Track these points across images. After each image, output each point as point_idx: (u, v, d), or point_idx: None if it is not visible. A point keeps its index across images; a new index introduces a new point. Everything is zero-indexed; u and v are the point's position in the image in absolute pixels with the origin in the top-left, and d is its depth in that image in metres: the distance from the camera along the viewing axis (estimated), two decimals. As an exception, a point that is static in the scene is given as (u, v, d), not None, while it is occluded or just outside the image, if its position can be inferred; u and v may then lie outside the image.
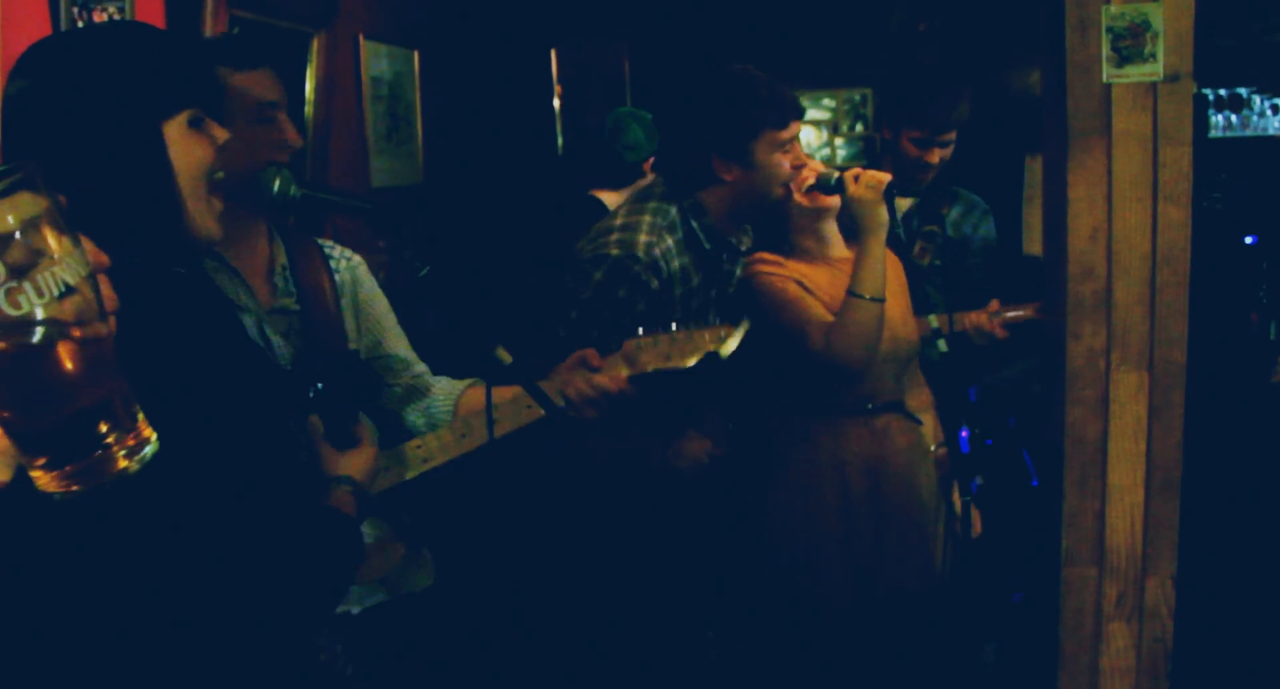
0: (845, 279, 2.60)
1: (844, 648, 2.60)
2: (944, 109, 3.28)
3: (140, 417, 0.93)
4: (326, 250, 2.15)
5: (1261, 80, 4.69)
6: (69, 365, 0.86)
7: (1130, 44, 2.42)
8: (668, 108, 2.79)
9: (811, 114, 5.44)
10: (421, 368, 2.24)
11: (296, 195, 1.89)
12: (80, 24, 2.46)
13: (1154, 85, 2.42)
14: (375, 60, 4.26)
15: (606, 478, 2.63)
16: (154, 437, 0.94)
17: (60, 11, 2.38)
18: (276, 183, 1.87)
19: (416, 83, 4.52)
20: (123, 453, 0.91)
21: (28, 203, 0.85)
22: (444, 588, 2.36)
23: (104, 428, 0.90)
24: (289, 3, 3.64)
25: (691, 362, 2.17)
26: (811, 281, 2.63)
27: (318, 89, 3.79)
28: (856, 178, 2.56)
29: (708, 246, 2.62)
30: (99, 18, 2.53)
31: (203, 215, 1.49)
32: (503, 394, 2.09)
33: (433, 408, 2.19)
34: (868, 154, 3.59)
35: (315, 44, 3.82)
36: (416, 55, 4.52)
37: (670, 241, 2.58)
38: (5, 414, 0.88)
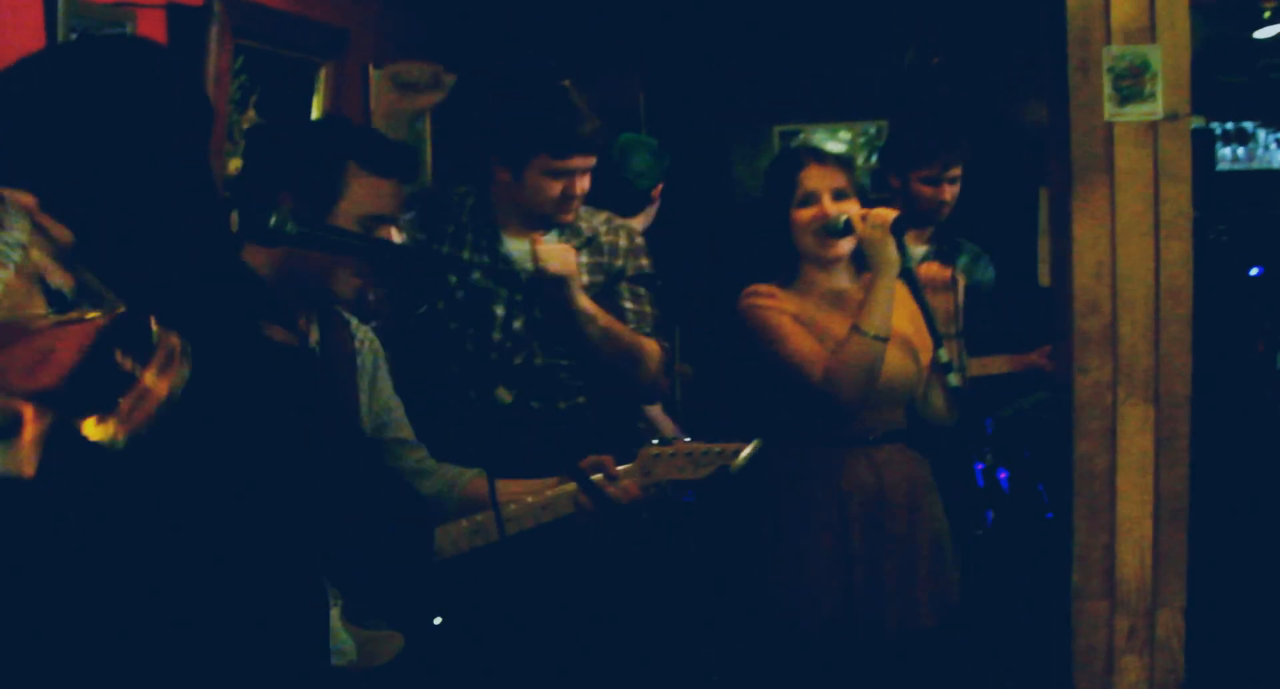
0: (843, 313, 2.61)
1: (839, 685, 2.59)
2: (950, 144, 3.37)
3: (156, 330, 0.87)
4: (352, 329, 2.17)
5: (1267, 115, 4.73)
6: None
7: (1130, 84, 2.46)
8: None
9: (828, 146, 5.49)
10: (423, 452, 2.25)
11: (292, 231, 1.82)
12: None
13: (1154, 124, 2.45)
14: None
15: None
16: (180, 344, 0.88)
17: (58, 38, 2.34)
18: (274, 217, 1.81)
19: (427, 113, 4.54)
20: (157, 376, 0.86)
21: None
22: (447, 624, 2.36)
23: (123, 360, 0.85)
24: (297, 34, 3.60)
25: (703, 474, 2.21)
26: (806, 315, 2.63)
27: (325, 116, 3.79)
28: (864, 218, 2.55)
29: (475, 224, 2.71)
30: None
31: None
32: (522, 489, 2.15)
33: (440, 496, 2.20)
34: (882, 186, 3.65)
35: (322, 74, 3.81)
36: (426, 87, 4.55)
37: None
38: (21, 385, 0.82)
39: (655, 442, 2.26)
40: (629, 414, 2.93)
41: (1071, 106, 2.49)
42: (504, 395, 2.07)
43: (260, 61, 3.34)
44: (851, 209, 2.59)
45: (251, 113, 3.38)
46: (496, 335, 2.65)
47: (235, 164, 3.39)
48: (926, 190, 3.40)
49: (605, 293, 2.75)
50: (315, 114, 3.74)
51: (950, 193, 3.41)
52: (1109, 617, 2.56)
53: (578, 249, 2.72)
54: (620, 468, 2.18)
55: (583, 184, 2.65)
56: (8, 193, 0.84)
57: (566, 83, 2.68)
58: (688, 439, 2.25)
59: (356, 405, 2.12)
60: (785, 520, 2.62)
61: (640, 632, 2.69)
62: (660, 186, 3.57)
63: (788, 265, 2.69)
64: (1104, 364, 2.53)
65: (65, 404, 0.84)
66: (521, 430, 2.51)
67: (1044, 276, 3.86)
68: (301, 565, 1.42)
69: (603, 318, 2.62)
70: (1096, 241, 2.51)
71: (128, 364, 0.85)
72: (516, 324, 2.67)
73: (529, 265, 2.66)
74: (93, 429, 0.85)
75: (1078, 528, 2.57)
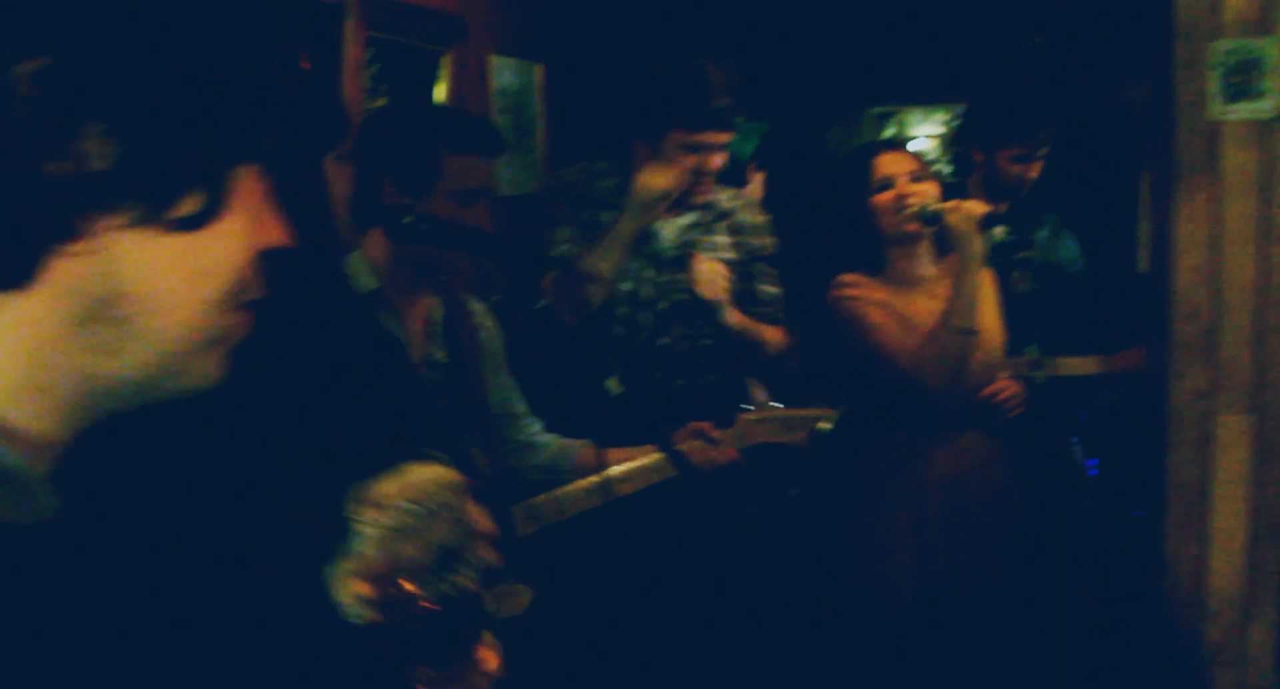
0: (931, 301, 2.65)
1: (914, 671, 2.63)
2: (1041, 123, 3.27)
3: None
4: (470, 308, 2.26)
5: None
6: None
7: (1241, 80, 2.36)
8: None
9: (924, 128, 5.36)
10: (538, 425, 2.36)
11: (425, 229, 1.93)
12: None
13: (1264, 123, 2.36)
14: (501, 73, 4.37)
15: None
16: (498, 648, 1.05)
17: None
18: (408, 217, 1.91)
19: (540, 95, 4.62)
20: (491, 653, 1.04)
21: (448, 481, 0.95)
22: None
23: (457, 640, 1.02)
24: (421, 24, 3.73)
25: (796, 438, 2.30)
26: (896, 305, 2.68)
27: (448, 101, 3.90)
28: (953, 210, 2.58)
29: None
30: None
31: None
32: (628, 455, 2.25)
33: (553, 465, 2.31)
34: (964, 160, 3.56)
35: (445, 61, 3.93)
36: (541, 68, 4.62)
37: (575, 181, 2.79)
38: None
39: (750, 408, 2.36)
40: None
41: (1176, 104, 2.41)
42: (614, 386, 2.14)
43: (389, 51, 3.46)
44: (929, 191, 2.63)
45: (382, 101, 3.52)
46: (641, 317, 2.71)
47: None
48: (1014, 168, 3.27)
49: (745, 272, 2.83)
50: (439, 99, 3.87)
51: (1037, 170, 3.29)
52: (1200, 629, 2.50)
53: (714, 223, 2.81)
54: (719, 433, 2.29)
55: (716, 161, 2.69)
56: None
57: (705, 62, 2.72)
58: (778, 404, 2.35)
59: (483, 383, 2.21)
60: (868, 505, 2.68)
61: (732, 603, 2.75)
62: (753, 165, 3.56)
63: (873, 253, 2.72)
64: (1202, 372, 2.46)
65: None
66: (661, 407, 2.59)
67: (1144, 262, 3.73)
68: None
69: (748, 329, 2.77)
70: (1198, 245, 2.43)
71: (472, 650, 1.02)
72: (661, 305, 2.73)
73: (668, 245, 2.74)
74: None
75: (1169, 536, 2.52)
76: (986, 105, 3.47)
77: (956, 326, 2.54)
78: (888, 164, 2.68)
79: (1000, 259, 3.03)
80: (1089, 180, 3.44)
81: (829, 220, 2.87)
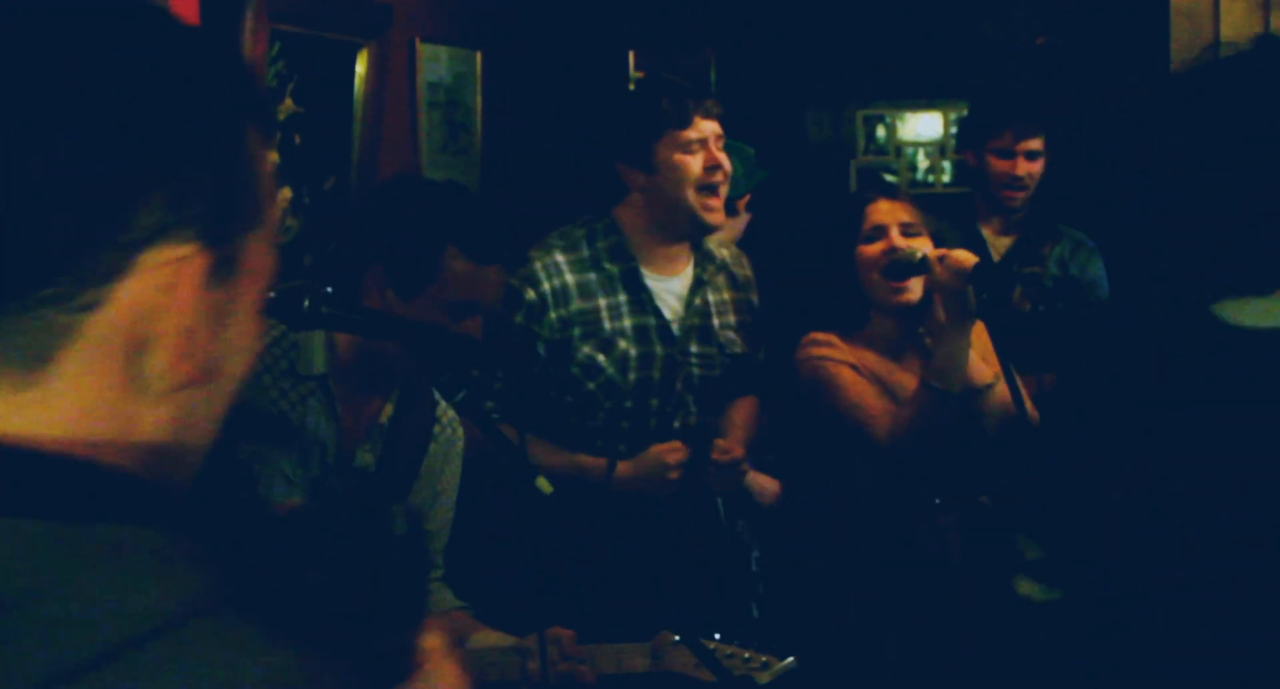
0: (914, 364, 2.43)
1: None
2: (1023, 108, 3.01)
3: None
4: (437, 412, 2.06)
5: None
6: None
7: None
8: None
9: (914, 132, 4.95)
10: (440, 573, 2.12)
11: (327, 314, 1.75)
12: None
13: None
14: (433, 64, 4.00)
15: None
16: None
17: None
18: (306, 300, 1.74)
19: (478, 86, 4.22)
20: None
21: None
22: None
23: None
24: (337, 14, 3.38)
25: (723, 677, 1.84)
26: (873, 369, 2.44)
27: (366, 101, 3.51)
28: (941, 258, 2.30)
29: (609, 267, 2.49)
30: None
31: None
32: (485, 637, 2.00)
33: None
34: (963, 169, 3.26)
35: (363, 55, 3.55)
36: (479, 56, 4.21)
37: (560, 258, 2.47)
38: None
39: (677, 639, 1.94)
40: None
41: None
42: (544, 485, 1.82)
43: (298, 46, 3.19)
44: (924, 246, 2.39)
45: (289, 102, 3.26)
46: (655, 401, 2.51)
47: (272, 157, 3.21)
48: (1000, 164, 2.99)
49: (753, 343, 2.66)
50: (357, 97, 3.54)
51: (1025, 169, 3.00)
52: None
53: (715, 276, 2.63)
54: (630, 646, 1.95)
55: (722, 155, 2.48)
56: None
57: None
58: (718, 636, 1.95)
59: (407, 490, 1.99)
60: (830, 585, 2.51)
61: None
62: (747, 198, 3.22)
63: (854, 312, 2.49)
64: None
65: None
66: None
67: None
68: None
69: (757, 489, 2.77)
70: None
71: None
72: (679, 384, 2.53)
73: (678, 316, 2.55)
74: None
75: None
76: (975, 103, 3.22)
77: (935, 386, 2.28)
78: (881, 212, 2.45)
79: (1001, 277, 2.69)
80: (1114, 185, 3.10)
81: (809, 269, 2.63)
